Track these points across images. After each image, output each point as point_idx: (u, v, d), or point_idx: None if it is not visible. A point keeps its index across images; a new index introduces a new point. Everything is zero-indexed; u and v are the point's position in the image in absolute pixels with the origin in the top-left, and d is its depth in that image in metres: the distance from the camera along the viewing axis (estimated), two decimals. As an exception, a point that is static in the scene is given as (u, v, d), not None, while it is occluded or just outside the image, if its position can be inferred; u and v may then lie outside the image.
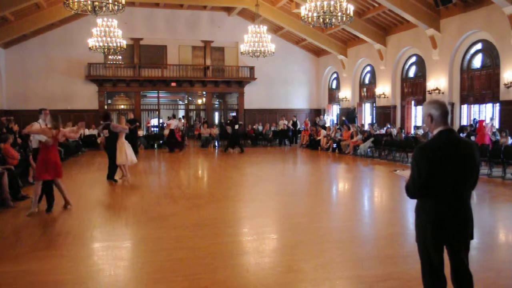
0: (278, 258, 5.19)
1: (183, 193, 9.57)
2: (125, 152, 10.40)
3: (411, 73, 20.25)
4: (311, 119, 25.72)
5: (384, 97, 21.07)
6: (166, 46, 25.08)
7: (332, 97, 27.15)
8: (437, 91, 17.27)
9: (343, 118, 23.98)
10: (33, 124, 8.37)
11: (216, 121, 28.22)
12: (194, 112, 29.58)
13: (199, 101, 30.07)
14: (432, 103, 3.10)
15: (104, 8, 11.74)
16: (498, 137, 13.25)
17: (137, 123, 18.29)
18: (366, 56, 22.50)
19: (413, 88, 19.95)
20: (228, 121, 20.59)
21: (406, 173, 3.21)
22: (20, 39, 22.05)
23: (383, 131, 18.76)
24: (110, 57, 23.03)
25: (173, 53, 25.18)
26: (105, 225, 6.68)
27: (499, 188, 9.99)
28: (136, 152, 17.94)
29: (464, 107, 17.12)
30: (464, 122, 16.92)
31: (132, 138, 15.19)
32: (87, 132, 21.54)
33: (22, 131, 9.78)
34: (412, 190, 3.02)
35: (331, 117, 26.25)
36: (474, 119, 16.56)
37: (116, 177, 10.72)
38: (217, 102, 30.23)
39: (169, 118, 22.14)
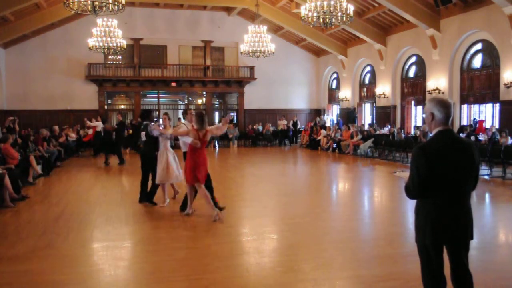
0: (278, 258, 5.19)
1: (183, 193, 9.56)
2: (167, 165, 7.83)
3: (411, 73, 20.24)
4: (311, 119, 25.70)
5: (384, 97, 21.06)
6: (166, 46, 25.06)
7: (332, 97, 27.14)
8: (437, 91, 17.26)
9: (339, 119, 24.05)
10: (180, 126, 8.06)
11: (216, 121, 28.20)
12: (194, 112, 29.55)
13: (199, 101, 30.06)
14: (437, 103, 3.03)
15: (104, 8, 11.73)
16: (498, 137, 13.25)
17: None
18: (366, 56, 22.49)
19: (413, 88, 19.94)
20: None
21: (406, 175, 3.21)
22: (20, 39, 22.03)
23: (383, 131, 18.77)
24: (110, 57, 23.01)
25: (173, 53, 25.16)
26: (105, 225, 6.67)
27: (499, 188, 9.99)
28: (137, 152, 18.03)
29: (464, 107, 17.11)
30: (464, 122, 16.91)
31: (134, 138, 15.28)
32: (87, 132, 21.54)
33: (172, 133, 8.14)
34: (411, 190, 3.02)
35: (331, 117, 26.25)
36: (474, 119, 16.55)
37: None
38: (217, 102, 30.21)
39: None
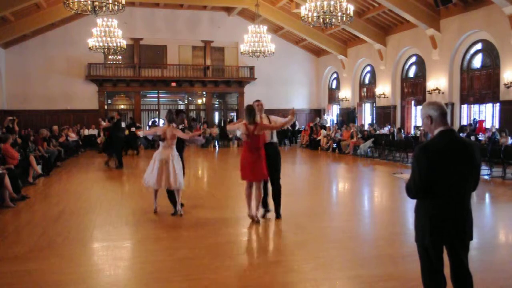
0: (278, 258, 5.19)
1: (183, 193, 9.56)
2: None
3: (411, 73, 20.24)
4: (312, 119, 25.69)
5: (384, 97, 21.06)
6: (166, 46, 25.07)
7: (332, 97, 27.14)
8: (437, 91, 17.27)
9: (340, 118, 24.05)
10: (241, 120, 7.70)
11: (216, 121, 28.20)
12: (194, 112, 29.57)
13: (199, 101, 30.06)
14: (429, 104, 3.10)
15: (104, 8, 11.73)
16: (498, 137, 13.25)
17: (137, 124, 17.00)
18: (366, 56, 22.49)
19: (413, 88, 19.94)
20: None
21: (406, 176, 3.21)
22: (20, 39, 22.03)
23: (383, 131, 18.77)
24: (110, 57, 22.99)
25: (173, 53, 25.17)
26: (105, 225, 6.67)
27: (499, 188, 9.99)
28: (137, 152, 18.03)
29: (464, 107, 17.11)
30: (464, 122, 16.91)
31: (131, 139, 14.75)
32: (87, 132, 21.58)
33: (226, 127, 8.18)
34: (412, 190, 3.02)
35: (331, 117, 26.24)
36: (474, 119, 16.56)
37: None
38: (217, 102, 30.22)
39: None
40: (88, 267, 4.88)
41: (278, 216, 6.85)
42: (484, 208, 8.10)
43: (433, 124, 3.05)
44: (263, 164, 6.50)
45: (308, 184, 11.53)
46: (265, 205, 7.03)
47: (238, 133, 6.66)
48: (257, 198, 6.67)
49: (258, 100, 6.94)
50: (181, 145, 7.38)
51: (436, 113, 3.02)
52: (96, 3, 11.49)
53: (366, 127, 19.90)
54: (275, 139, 6.93)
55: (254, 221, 6.58)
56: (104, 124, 16.63)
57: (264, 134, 6.57)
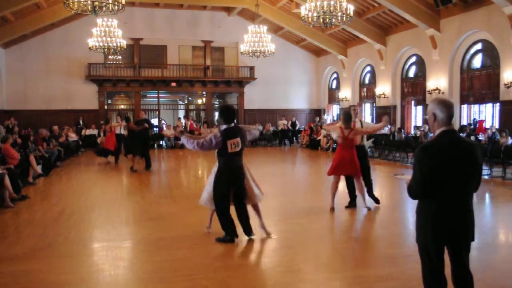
0: (278, 258, 5.19)
1: (183, 193, 9.58)
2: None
3: (411, 73, 20.24)
4: (312, 119, 25.70)
5: (384, 97, 21.06)
6: (166, 46, 25.05)
7: (332, 97, 27.14)
8: (437, 91, 17.26)
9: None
10: (336, 122, 8.29)
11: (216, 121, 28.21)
12: (194, 112, 29.59)
13: (199, 101, 30.06)
14: (439, 103, 3.03)
15: (104, 8, 11.72)
16: (498, 137, 13.25)
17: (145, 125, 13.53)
18: (366, 56, 22.49)
19: (413, 88, 19.94)
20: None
21: (407, 177, 3.21)
22: (20, 39, 22.02)
23: (383, 131, 18.74)
24: (110, 57, 23.00)
25: (173, 53, 25.16)
26: (105, 225, 6.67)
27: (499, 188, 9.99)
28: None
29: (464, 107, 17.11)
30: (464, 122, 16.90)
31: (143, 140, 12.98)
32: (87, 132, 21.58)
33: (323, 127, 9.38)
34: (414, 190, 3.01)
35: (331, 117, 26.24)
36: (474, 119, 16.56)
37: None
38: (217, 102, 30.23)
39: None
40: (88, 267, 4.88)
41: (376, 201, 7.77)
42: (484, 208, 8.10)
43: (436, 122, 3.03)
44: (357, 161, 7.23)
45: (308, 184, 11.52)
46: (374, 198, 7.78)
47: (335, 136, 7.36)
48: (361, 192, 7.41)
49: (353, 105, 7.75)
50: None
51: (442, 115, 2.99)
52: (96, 3, 11.48)
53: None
54: (365, 142, 7.82)
55: (332, 211, 7.30)
56: (117, 124, 15.66)
57: (356, 137, 7.32)
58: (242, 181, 5.55)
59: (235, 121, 5.87)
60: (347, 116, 7.13)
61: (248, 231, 5.64)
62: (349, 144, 7.13)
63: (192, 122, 24.24)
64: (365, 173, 7.62)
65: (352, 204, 7.64)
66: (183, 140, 5.62)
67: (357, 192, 7.54)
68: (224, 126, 5.57)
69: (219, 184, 5.45)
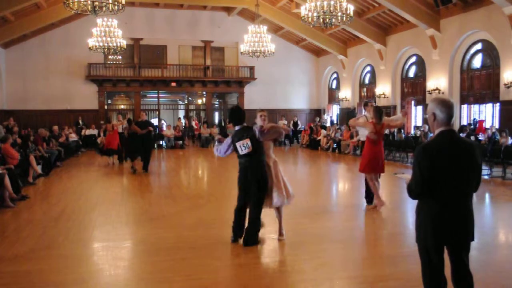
0: (278, 258, 5.20)
1: (183, 193, 9.58)
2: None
3: (411, 73, 20.24)
4: (312, 119, 25.70)
5: (384, 97, 21.05)
6: (166, 46, 25.05)
7: (332, 97, 27.14)
8: (437, 91, 17.26)
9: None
10: (360, 117, 8.23)
11: (216, 121, 28.22)
12: (194, 112, 29.59)
13: (199, 101, 30.06)
14: (439, 103, 3.03)
15: (104, 8, 11.72)
16: (498, 137, 13.25)
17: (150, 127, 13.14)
18: (366, 56, 22.49)
19: (413, 88, 19.94)
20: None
21: (407, 176, 3.21)
22: (20, 39, 22.02)
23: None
24: (110, 57, 22.99)
25: (173, 53, 25.16)
26: (105, 225, 6.67)
27: (499, 188, 9.99)
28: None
29: (464, 107, 17.10)
30: (464, 122, 16.89)
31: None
32: (87, 132, 21.58)
33: (349, 122, 8.63)
34: (414, 190, 3.01)
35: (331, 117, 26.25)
36: (474, 119, 16.55)
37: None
38: (217, 102, 30.23)
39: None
40: (88, 267, 4.88)
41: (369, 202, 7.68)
42: (484, 208, 8.10)
43: (435, 122, 3.04)
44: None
45: (308, 184, 11.52)
46: (371, 198, 7.68)
47: (366, 132, 7.29)
48: (376, 189, 7.28)
49: (370, 101, 7.80)
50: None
51: (442, 115, 2.99)
52: (96, 3, 11.49)
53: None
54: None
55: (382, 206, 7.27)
56: (119, 122, 15.29)
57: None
58: (255, 186, 5.33)
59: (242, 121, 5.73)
60: (380, 111, 7.26)
61: (238, 235, 5.54)
62: (380, 139, 7.25)
63: (197, 122, 24.37)
64: None
65: (372, 202, 7.58)
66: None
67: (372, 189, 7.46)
68: (236, 128, 5.56)
69: (238, 182, 5.53)
